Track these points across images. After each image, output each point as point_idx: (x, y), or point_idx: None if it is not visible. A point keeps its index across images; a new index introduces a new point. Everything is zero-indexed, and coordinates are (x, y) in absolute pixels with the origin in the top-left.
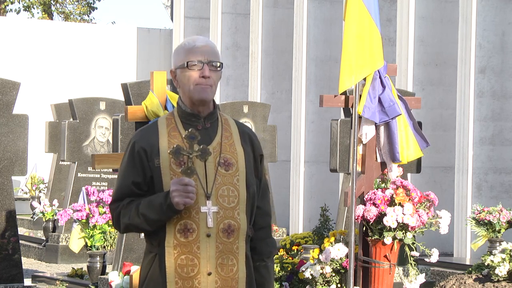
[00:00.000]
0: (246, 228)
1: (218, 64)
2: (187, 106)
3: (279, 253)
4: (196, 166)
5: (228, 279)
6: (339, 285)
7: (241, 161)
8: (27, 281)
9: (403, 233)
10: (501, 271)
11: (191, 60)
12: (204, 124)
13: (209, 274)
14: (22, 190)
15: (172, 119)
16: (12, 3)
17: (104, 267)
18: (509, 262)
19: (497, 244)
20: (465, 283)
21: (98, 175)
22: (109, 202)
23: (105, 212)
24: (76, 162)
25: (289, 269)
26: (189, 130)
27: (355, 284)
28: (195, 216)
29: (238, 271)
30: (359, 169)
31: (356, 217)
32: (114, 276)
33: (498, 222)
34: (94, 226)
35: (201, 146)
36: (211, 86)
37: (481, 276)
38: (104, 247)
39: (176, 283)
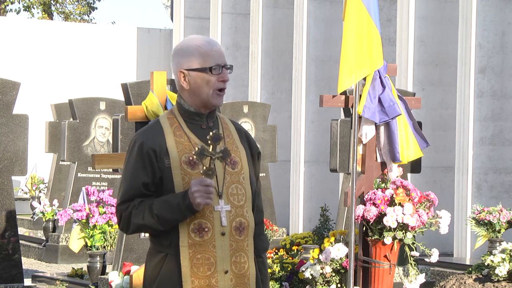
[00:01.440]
0: (253, 225)
1: (229, 66)
2: (191, 105)
3: (279, 253)
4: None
5: (241, 276)
6: (339, 285)
7: (244, 159)
8: (27, 281)
9: (403, 233)
10: (501, 271)
11: (211, 64)
12: (207, 123)
13: (226, 272)
14: (22, 190)
15: (173, 118)
16: (12, 3)
17: (104, 267)
18: (509, 262)
19: (497, 244)
20: (465, 283)
21: (98, 175)
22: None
23: (105, 212)
24: (76, 162)
25: (289, 269)
26: (214, 131)
27: (355, 284)
28: (209, 215)
29: (249, 268)
30: (359, 169)
31: (356, 217)
32: (114, 276)
33: (498, 222)
34: (94, 226)
35: (223, 148)
36: (225, 89)
37: (481, 276)
38: (104, 247)
39: (192, 282)
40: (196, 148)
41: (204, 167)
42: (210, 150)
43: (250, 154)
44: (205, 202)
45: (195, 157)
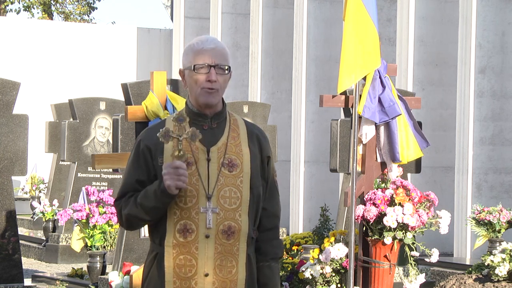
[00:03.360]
0: (247, 230)
1: (226, 67)
2: (194, 106)
3: None
4: (200, 166)
5: (226, 280)
6: (339, 285)
7: (246, 162)
8: (27, 281)
9: (403, 233)
10: (501, 271)
11: (198, 63)
12: (211, 124)
13: (206, 275)
14: (22, 190)
15: None
16: (12, 3)
17: (104, 267)
18: (509, 262)
19: (497, 244)
20: (465, 283)
21: (98, 175)
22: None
23: (105, 212)
24: (76, 162)
25: (289, 269)
26: (178, 112)
27: (355, 284)
28: (195, 217)
29: (237, 273)
30: (359, 169)
31: (356, 217)
32: (114, 276)
33: (498, 222)
34: (94, 226)
35: (190, 129)
36: (217, 90)
37: (481, 276)
38: (104, 247)
39: (174, 283)
40: (161, 130)
41: (176, 151)
42: (177, 131)
43: (260, 158)
44: (175, 184)
45: (160, 139)
